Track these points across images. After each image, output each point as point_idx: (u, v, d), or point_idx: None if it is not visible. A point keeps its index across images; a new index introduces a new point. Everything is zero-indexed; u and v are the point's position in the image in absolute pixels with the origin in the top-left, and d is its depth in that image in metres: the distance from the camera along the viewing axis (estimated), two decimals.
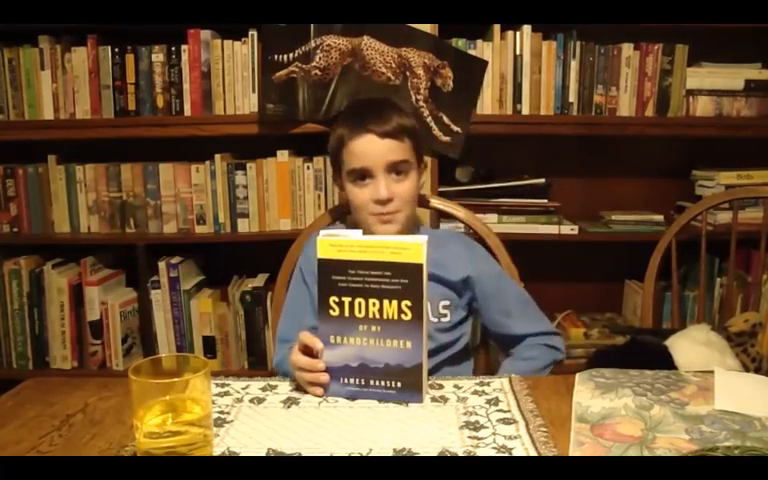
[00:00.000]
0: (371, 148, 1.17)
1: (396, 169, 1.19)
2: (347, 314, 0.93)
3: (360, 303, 0.92)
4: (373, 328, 0.92)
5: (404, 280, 0.91)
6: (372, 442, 0.80)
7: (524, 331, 1.23)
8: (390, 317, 0.92)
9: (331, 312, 0.93)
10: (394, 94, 1.78)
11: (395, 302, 0.91)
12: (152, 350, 1.93)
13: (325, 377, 0.94)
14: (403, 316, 0.91)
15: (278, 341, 1.23)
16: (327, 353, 0.94)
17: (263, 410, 0.90)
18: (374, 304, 0.92)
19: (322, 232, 0.96)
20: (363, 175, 1.19)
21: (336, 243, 0.93)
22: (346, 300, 0.93)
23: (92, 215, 1.94)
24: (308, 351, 0.96)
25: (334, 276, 0.93)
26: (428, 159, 1.29)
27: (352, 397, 0.94)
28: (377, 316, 0.92)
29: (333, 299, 0.93)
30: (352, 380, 0.94)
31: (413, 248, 0.91)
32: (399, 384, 0.92)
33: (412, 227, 1.25)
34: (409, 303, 0.91)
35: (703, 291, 1.60)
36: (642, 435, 0.80)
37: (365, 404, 0.92)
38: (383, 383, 0.93)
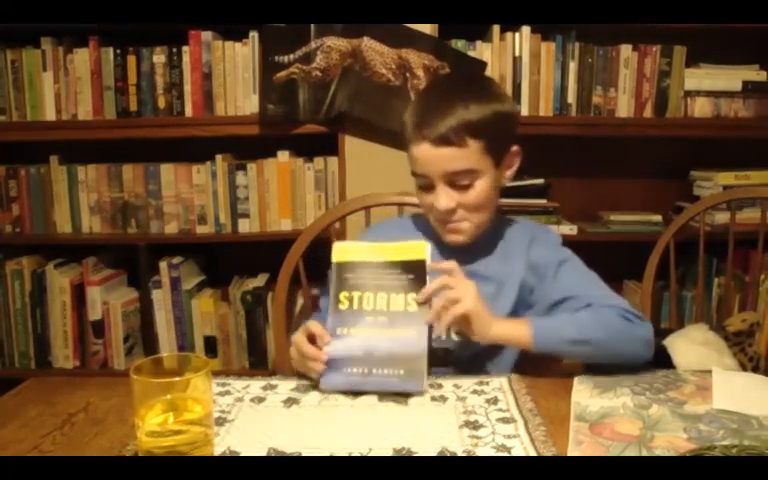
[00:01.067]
0: (426, 157, 1.02)
1: (458, 180, 1.02)
2: (356, 307, 0.96)
3: (369, 297, 0.96)
4: (380, 319, 0.96)
5: (410, 275, 0.96)
6: (372, 442, 0.80)
7: (591, 303, 1.01)
8: (397, 309, 0.95)
9: (340, 306, 0.97)
10: (394, 95, 1.79)
11: (402, 295, 0.96)
12: (153, 350, 1.93)
13: (321, 367, 0.94)
14: (409, 308, 0.95)
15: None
16: (333, 343, 0.95)
17: (264, 409, 0.91)
18: (382, 298, 0.96)
19: (337, 243, 1.02)
20: (426, 183, 1.05)
21: (349, 248, 1.01)
22: (356, 295, 0.97)
23: (94, 215, 1.95)
24: (312, 340, 0.96)
25: (345, 275, 0.98)
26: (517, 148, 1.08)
27: (354, 388, 0.93)
28: (384, 308, 0.96)
29: (344, 294, 0.97)
30: (355, 369, 0.93)
31: (417, 247, 0.98)
32: (402, 371, 0.93)
33: (487, 232, 1.11)
34: (415, 295, 0.95)
35: (701, 291, 1.60)
36: (640, 434, 0.81)
37: (365, 403, 0.92)
38: (386, 371, 0.93)
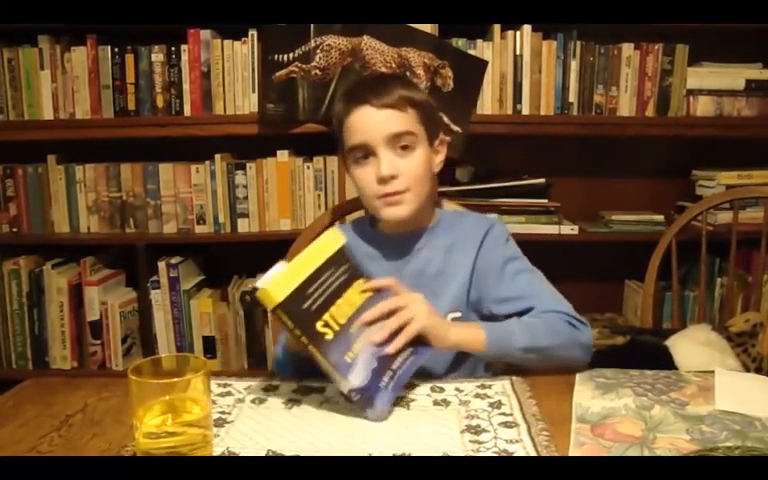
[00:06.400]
0: (369, 121, 1.04)
1: (399, 142, 1.04)
2: (337, 328, 0.90)
3: (335, 312, 0.91)
4: (357, 323, 0.92)
5: (342, 267, 0.94)
6: (372, 445, 0.79)
7: (537, 306, 1.03)
8: (361, 304, 0.93)
9: (327, 337, 0.89)
10: None
11: (351, 290, 0.94)
12: (152, 350, 1.93)
13: None
14: (368, 294, 0.95)
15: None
16: (355, 375, 0.88)
17: (264, 411, 0.90)
18: (340, 306, 0.92)
19: (260, 285, 0.88)
20: (365, 153, 1.05)
21: (279, 280, 0.88)
22: (326, 318, 0.90)
23: (92, 215, 1.94)
24: None
25: (297, 309, 0.88)
26: (447, 138, 1.16)
27: (399, 393, 0.91)
28: (351, 311, 0.92)
29: (319, 324, 0.89)
30: (385, 379, 0.90)
31: (329, 236, 0.96)
32: (410, 349, 0.93)
33: (429, 208, 1.14)
34: (362, 281, 0.95)
35: (703, 291, 1.60)
36: (642, 435, 0.80)
37: None
38: (402, 358, 0.92)
